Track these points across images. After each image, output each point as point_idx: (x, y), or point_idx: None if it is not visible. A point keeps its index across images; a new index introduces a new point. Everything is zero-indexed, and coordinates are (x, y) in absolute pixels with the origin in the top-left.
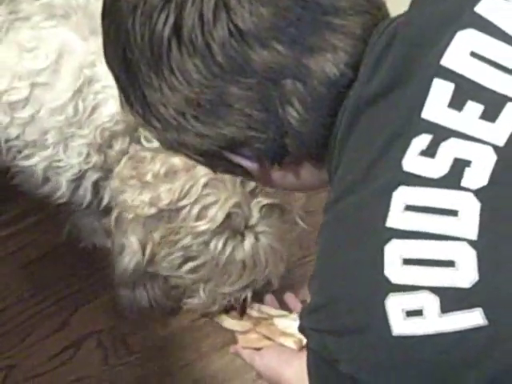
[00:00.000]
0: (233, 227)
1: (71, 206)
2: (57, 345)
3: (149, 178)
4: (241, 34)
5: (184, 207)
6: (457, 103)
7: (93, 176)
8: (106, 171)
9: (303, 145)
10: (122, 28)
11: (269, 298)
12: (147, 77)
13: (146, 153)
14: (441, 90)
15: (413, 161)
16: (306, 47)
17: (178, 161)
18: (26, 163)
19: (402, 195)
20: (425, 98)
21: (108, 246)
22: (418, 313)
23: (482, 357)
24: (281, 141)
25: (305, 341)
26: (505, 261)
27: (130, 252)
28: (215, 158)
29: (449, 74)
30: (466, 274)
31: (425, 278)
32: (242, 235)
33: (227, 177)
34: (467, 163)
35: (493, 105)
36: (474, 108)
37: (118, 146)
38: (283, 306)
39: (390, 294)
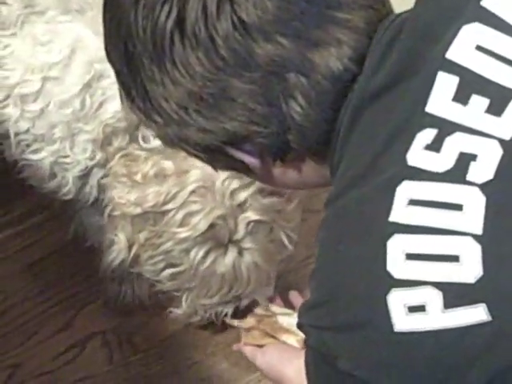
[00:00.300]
0: (216, 239)
1: (77, 203)
2: (62, 344)
3: (138, 177)
4: (245, 27)
5: (169, 211)
6: (462, 97)
7: (98, 173)
8: (109, 168)
9: (306, 140)
10: (124, 21)
11: (274, 295)
12: (149, 70)
13: (141, 152)
14: (445, 84)
15: (417, 155)
16: (310, 41)
17: (169, 165)
18: (34, 157)
19: (406, 189)
20: (429, 92)
21: None
22: (420, 308)
23: (485, 353)
24: (283, 136)
25: None
26: (510, 256)
27: (117, 249)
28: (216, 154)
29: (453, 68)
30: (470, 269)
31: (428, 272)
32: (226, 248)
33: (217, 187)
34: (473, 157)
35: (498, 98)
36: (479, 102)
37: (117, 143)
38: (288, 304)
39: (393, 290)
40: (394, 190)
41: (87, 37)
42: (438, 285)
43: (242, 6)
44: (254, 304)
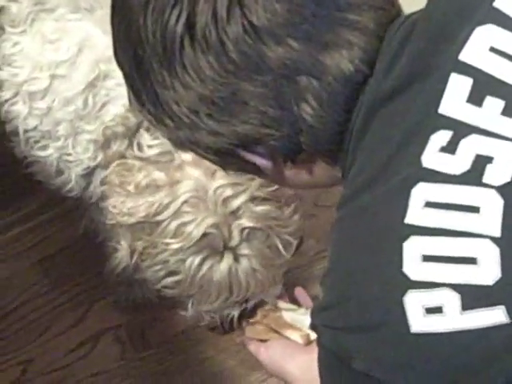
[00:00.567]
0: (211, 247)
1: (85, 201)
2: (74, 340)
3: (131, 187)
4: (255, 31)
5: (162, 222)
6: (476, 99)
7: (101, 174)
8: (105, 177)
9: (317, 142)
10: (134, 25)
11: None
12: (159, 74)
13: (135, 162)
14: (459, 85)
15: (433, 157)
16: (320, 43)
17: (162, 176)
18: (42, 154)
19: (422, 191)
20: (442, 94)
21: None
22: (437, 310)
23: (503, 354)
24: (295, 138)
25: (312, 336)
26: None
27: (120, 256)
28: (228, 156)
29: (467, 69)
30: (488, 271)
31: (445, 274)
32: (222, 256)
33: (210, 196)
34: (489, 160)
35: None
36: (494, 103)
37: (116, 147)
38: (293, 300)
39: (409, 291)
40: (409, 192)
41: (96, 35)
42: (455, 287)
43: (252, 9)
44: (261, 304)
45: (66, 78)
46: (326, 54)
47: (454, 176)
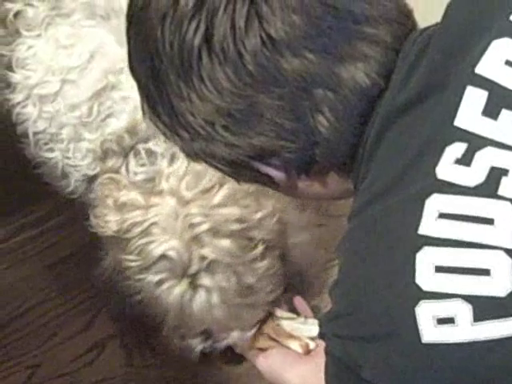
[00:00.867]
0: (170, 270)
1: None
2: (81, 345)
3: (110, 202)
4: (273, 43)
5: (130, 239)
6: (491, 111)
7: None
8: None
9: (332, 154)
10: (151, 37)
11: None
12: (176, 86)
13: (123, 179)
14: (474, 98)
15: (447, 169)
16: (337, 56)
17: (139, 197)
18: (49, 155)
19: (436, 203)
20: (458, 106)
21: None
22: (449, 320)
23: None
24: (310, 150)
25: (311, 345)
26: None
27: (105, 264)
28: (242, 168)
29: (483, 82)
30: (501, 282)
31: (458, 285)
32: (179, 281)
33: (178, 222)
34: (504, 172)
35: None
36: (509, 116)
37: (111, 163)
38: (291, 309)
39: (421, 302)
40: (423, 203)
41: (109, 44)
42: (467, 298)
43: (270, 22)
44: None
45: (75, 84)
46: (342, 66)
47: (469, 188)
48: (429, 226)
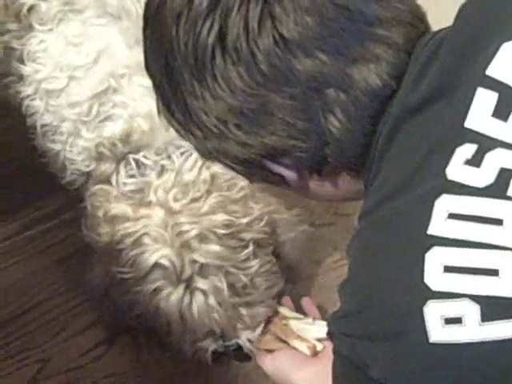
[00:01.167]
0: (164, 278)
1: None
2: (90, 341)
3: (101, 213)
4: (285, 43)
5: (122, 250)
6: (501, 113)
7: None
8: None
9: (343, 154)
10: (166, 35)
11: (285, 299)
12: (190, 84)
13: (114, 190)
14: (484, 99)
15: (457, 170)
16: (349, 57)
17: (129, 210)
18: (53, 146)
19: (446, 203)
20: (468, 108)
21: None
22: (457, 320)
23: None
24: (321, 150)
25: (318, 347)
26: None
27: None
28: (254, 167)
29: (493, 84)
30: (509, 283)
31: (466, 285)
32: (175, 288)
33: (168, 231)
34: None
35: None
36: None
37: (104, 168)
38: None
39: (429, 301)
40: (432, 203)
41: (117, 45)
42: (475, 298)
43: (283, 22)
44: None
45: (79, 82)
46: (354, 67)
47: (478, 188)
48: (438, 226)
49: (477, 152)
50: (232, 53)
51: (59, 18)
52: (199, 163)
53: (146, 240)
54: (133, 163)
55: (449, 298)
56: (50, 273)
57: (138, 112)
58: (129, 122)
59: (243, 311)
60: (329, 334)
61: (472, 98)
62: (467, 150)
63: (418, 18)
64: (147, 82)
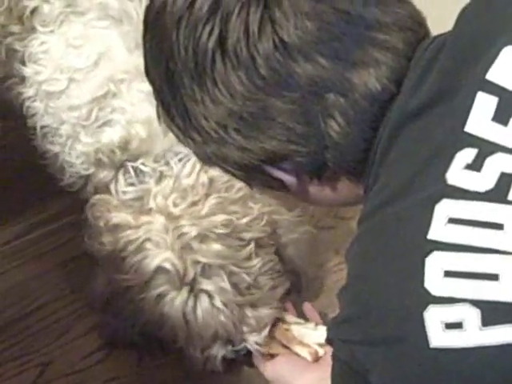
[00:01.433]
0: (168, 282)
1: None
2: (92, 344)
3: (102, 223)
4: (285, 48)
5: (126, 258)
6: (501, 117)
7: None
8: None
9: (343, 159)
10: (166, 40)
11: (287, 304)
12: (190, 89)
13: (113, 199)
14: (484, 104)
15: (457, 174)
16: (349, 61)
17: (130, 218)
18: (52, 148)
19: (446, 208)
20: (468, 112)
21: None
22: (457, 325)
23: None
24: (321, 154)
25: (320, 352)
26: None
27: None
28: (254, 172)
29: (493, 88)
30: (510, 287)
31: (466, 290)
32: (179, 292)
33: (169, 235)
34: None
35: None
36: None
37: (103, 175)
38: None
39: (430, 306)
40: (432, 208)
41: (117, 49)
42: (476, 302)
43: (283, 26)
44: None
45: (79, 85)
46: (353, 72)
47: (479, 193)
48: (438, 230)
49: (477, 156)
50: (232, 57)
51: (61, 20)
52: (197, 168)
53: (148, 245)
54: (131, 171)
55: (449, 302)
56: (50, 276)
57: (136, 118)
58: (127, 129)
59: (248, 312)
60: (328, 339)
61: (472, 103)
62: (467, 154)
63: (418, 23)
64: (146, 87)
